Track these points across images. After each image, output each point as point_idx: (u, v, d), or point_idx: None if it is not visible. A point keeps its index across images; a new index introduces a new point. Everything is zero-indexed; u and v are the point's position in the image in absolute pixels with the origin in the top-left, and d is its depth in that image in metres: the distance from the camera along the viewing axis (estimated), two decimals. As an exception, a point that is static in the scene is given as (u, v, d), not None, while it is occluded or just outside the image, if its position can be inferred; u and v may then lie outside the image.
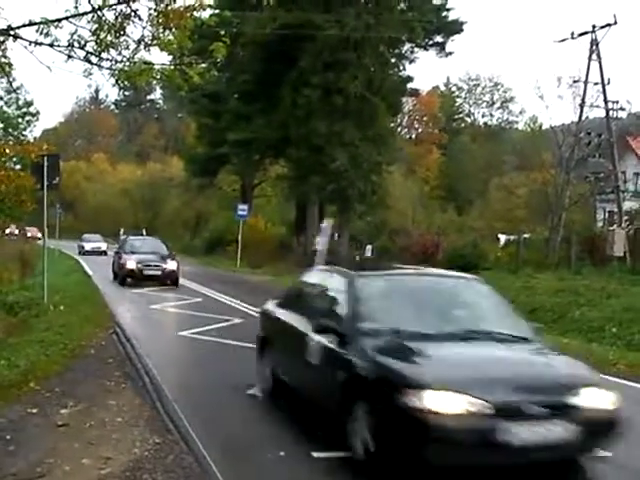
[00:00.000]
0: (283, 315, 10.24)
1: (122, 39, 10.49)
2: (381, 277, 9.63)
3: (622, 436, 7.09)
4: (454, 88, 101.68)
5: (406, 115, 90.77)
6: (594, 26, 34.04)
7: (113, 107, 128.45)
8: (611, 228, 32.77)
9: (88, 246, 58.94)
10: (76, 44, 10.34)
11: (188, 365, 14.02)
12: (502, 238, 42.56)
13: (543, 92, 52.79)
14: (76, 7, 10.29)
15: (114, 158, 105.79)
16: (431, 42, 47.48)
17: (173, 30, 10.38)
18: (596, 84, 34.65)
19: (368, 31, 40.08)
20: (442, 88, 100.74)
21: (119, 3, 10.27)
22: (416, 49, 48.23)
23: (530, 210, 51.66)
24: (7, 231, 56.13)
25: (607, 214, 42.43)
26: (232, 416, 9.63)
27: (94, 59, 10.59)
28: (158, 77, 11.20)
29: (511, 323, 8.58)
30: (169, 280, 28.80)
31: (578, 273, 26.82)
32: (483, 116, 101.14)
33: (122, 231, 58.51)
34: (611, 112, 34.89)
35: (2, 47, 11.00)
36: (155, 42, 10.53)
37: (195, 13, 10.64)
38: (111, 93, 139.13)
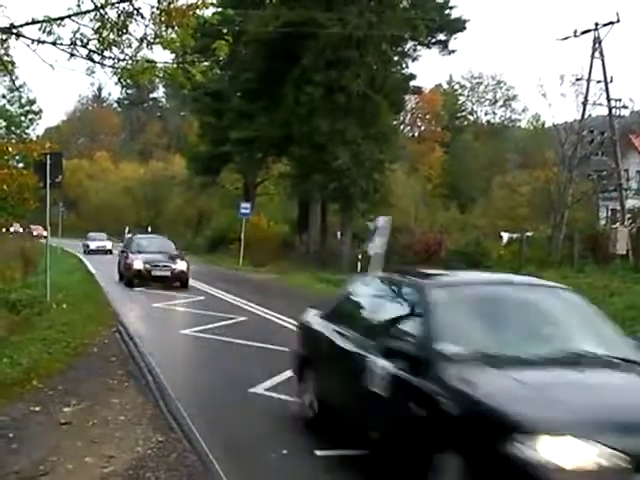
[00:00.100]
0: (332, 331, 8.57)
1: (125, 37, 10.51)
2: (459, 287, 7.85)
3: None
4: (457, 86, 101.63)
5: (409, 113, 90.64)
6: (597, 24, 33.99)
7: (116, 105, 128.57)
8: (614, 226, 32.73)
9: (93, 245, 58.12)
10: (79, 42, 10.36)
11: (191, 363, 14.03)
12: (505, 236, 42.53)
13: (546, 90, 52.49)
14: (79, 5, 10.31)
15: (117, 156, 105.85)
16: (434, 40, 47.43)
17: (176, 28, 10.39)
18: (599, 82, 34.60)
19: (370, 29, 40.05)
20: (445, 86, 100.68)
21: (121, 1, 10.29)
22: (419, 47, 48.19)
23: (533, 208, 51.59)
24: (12, 229, 56.22)
25: (610, 212, 42.40)
26: (235, 414, 9.63)
27: (97, 57, 10.61)
28: (161, 75, 11.22)
29: (616, 342, 7.03)
30: (178, 281, 27.65)
31: (581, 271, 26.80)
32: (486, 114, 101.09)
33: (127, 229, 57.75)
34: (614, 110, 34.84)
35: (5, 45, 11.03)
36: (158, 40, 10.54)
37: (198, 11, 10.67)
38: (114, 91, 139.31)
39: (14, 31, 10.56)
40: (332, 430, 8.37)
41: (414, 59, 49.33)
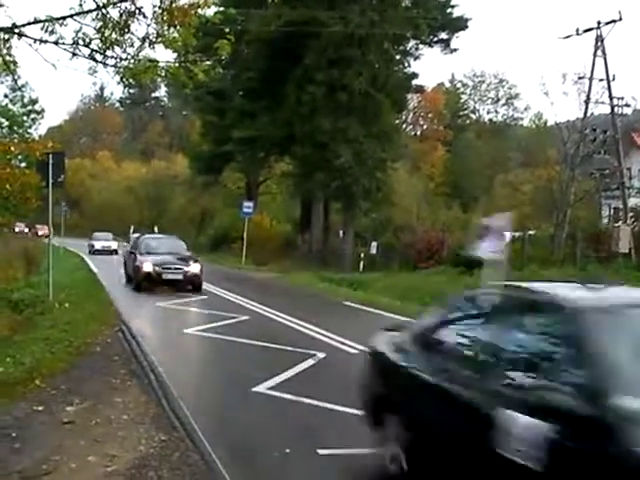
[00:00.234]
0: (427, 366, 6.42)
1: (127, 37, 10.53)
2: (628, 311, 5.36)
3: None
4: (459, 85, 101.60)
5: (411, 112, 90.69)
6: (599, 22, 33.91)
7: (118, 105, 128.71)
8: (616, 225, 32.69)
9: (98, 245, 56.39)
10: (81, 42, 10.37)
11: (194, 362, 14.03)
12: (507, 235, 42.46)
13: (548, 88, 52.63)
14: (81, 5, 10.33)
15: (119, 156, 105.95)
16: (436, 39, 47.51)
17: (178, 27, 10.41)
18: (601, 80, 34.51)
19: (372, 28, 40.10)
20: (447, 85, 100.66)
21: (123, 0, 10.29)
22: (421, 46, 48.33)
23: (535, 207, 51.51)
24: (17, 229, 56.12)
25: (612, 211, 42.34)
26: (238, 413, 9.63)
27: (99, 57, 10.62)
28: (163, 74, 11.21)
29: None
30: (191, 285, 25.94)
31: (583, 270, 26.74)
32: (488, 113, 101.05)
33: (132, 229, 55.67)
34: (616, 108, 34.75)
35: (7, 45, 11.03)
36: (160, 40, 10.55)
37: (200, 10, 10.68)
38: (116, 91, 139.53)
39: (16, 31, 10.57)
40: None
41: (416, 58, 49.57)
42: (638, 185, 41.95)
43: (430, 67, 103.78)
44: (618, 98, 34.81)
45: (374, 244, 42.28)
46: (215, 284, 28.60)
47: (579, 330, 4.94)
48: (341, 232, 46.47)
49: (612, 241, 29.71)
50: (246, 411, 9.68)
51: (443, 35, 47.46)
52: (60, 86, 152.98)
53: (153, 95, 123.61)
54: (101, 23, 10.35)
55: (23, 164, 23.40)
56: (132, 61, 10.76)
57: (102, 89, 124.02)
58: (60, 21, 10.22)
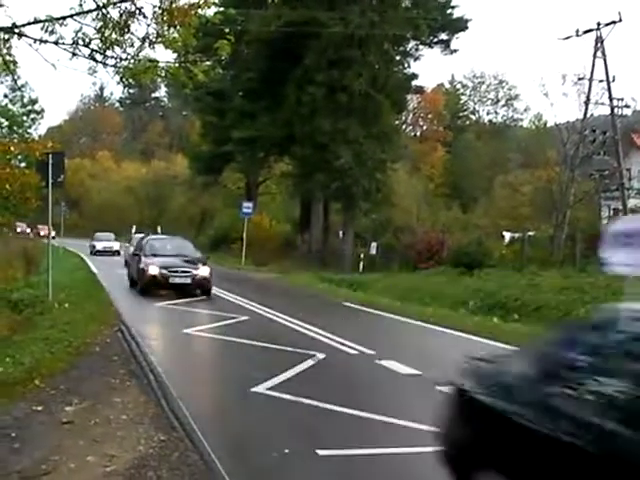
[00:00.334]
0: (543, 412, 4.65)
1: (127, 37, 10.52)
2: None
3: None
4: (459, 85, 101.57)
5: (411, 113, 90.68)
6: (599, 23, 33.99)
7: (118, 105, 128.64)
8: (616, 226, 32.69)
9: (100, 245, 54.55)
10: (81, 42, 10.37)
11: (193, 362, 14.03)
12: (507, 236, 42.50)
13: (548, 89, 53.01)
14: (81, 5, 10.33)
15: (119, 156, 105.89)
16: (436, 39, 47.60)
17: (178, 28, 10.40)
18: (601, 81, 34.60)
19: (372, 28, 40.13)
20: (447, 85, 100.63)
21: (123, 1, 10.29)
22: (421, 46, 48.42)
23: (535, 208, 51.55)
24: (18, 230, 55.91)
25: (612, 211, 42.34)
26: (237, 413, 9.63)
27: (99, 57, 10.62)
28: (163, 75, 11.21)
29: None
30: (200, 289, 24.21)
31: (583, 271, 26.75)
32: (488, 114, 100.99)
33: (134, 229, 54.61)
34: (616, 109, 34.83)
35: (7, 45, 11.03)
36: (160, 40, 10.55)
37: (200, 11, 10.67)
38: (116, 91, 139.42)
39: (16, 31, 10.57)
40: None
41: (416, 58, 49.64)
42: (638, 186, 42.03)
43: (430, 68, 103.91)
44: (618, 99, 34.92)
45: (374, 245, 42.30)
46: (215, 284, 28.54)
47: None
48: (341, 233, 46.49)
49: (612, 242, 29.71)
50: (245, 411, 9.68)
51: (443, 36, 47.56)
52: (60, 86, 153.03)
53: (153, 95, 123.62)
54: (101, 23, 10.36)
55: (23, 164, 23.42)
56: (132, 61, 10.76)
57: (102, 89, 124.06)
58: (60, 21, 10.22)
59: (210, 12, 12.06)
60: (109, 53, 10.58)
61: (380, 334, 18.70)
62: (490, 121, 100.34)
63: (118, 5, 10.34)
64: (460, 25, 47.06)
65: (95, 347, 13.79)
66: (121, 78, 11.26)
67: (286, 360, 12.80)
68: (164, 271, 23.72)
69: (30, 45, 10.34)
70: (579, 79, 35.12)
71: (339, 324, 18.62)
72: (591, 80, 34.62)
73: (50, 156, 19.67)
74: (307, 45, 40.53)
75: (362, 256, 41.33)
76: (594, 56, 34.30)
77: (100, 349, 13.66)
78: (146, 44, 10.59)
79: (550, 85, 74.59)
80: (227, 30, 10.77)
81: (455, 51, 48.73)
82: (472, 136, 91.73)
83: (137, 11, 10.33)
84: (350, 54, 40.48)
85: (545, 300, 21.91)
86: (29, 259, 32.45)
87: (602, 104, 35.15)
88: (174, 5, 10.28)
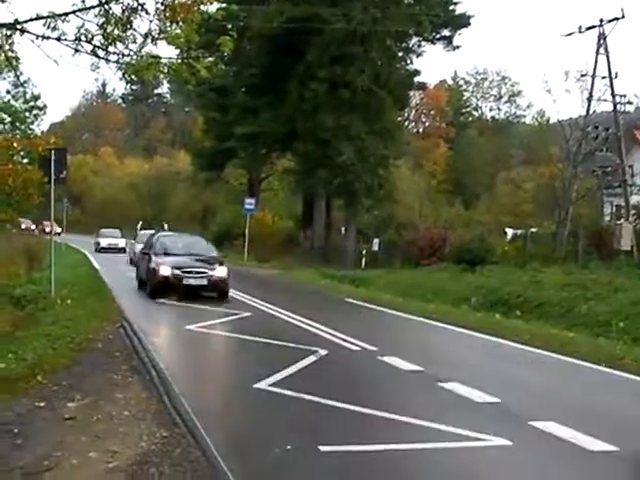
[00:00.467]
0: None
1: (129, 33, 10.53)
2: None
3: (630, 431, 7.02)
4: (461, 82, 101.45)
5: (413, 109, 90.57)
6: (602, 20, 33.89)
7: (120, 101, 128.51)
8: (618, 222, 32.65)
9: (104, 242, 52.64)
10: (83, 38, 10.38)
11: (195, 359, 14.02)
12: (509, 232, 42.47)
13: (551, 86, 52.73)
14: (83, 1, 10.34)
15: (121, 152, 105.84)
16: (438, 36, 47.57)
17: (180, 24, 10.41)
18: (604, 78, 34.50)
19: (375, 25, 40.08)
20: (449, 82, 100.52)
21: (126, -4, 10.29)
22: (423, 43, 48.38)
23: (537, 204, 51.53)
24: (23, 226, 55.67)
25: (614, 208, 42.28)
26: (239, 409, 9.64)
27: (101, 53, 10.64)
28: (165, 71, 11.22)
29: None
30: (217, 292, 22.46)
31: (585, 267, 26.74)
32: (490, 110, 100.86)
33: (140, 225, 52.52)
34: (619, 106, 34.74)
35: (9, 41, 11.02)
36: (162, 36, 10.56)
37: (202, 7, 10.68)
38: (118, 87, 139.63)
39: (18, 27, 10.57)
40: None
41: (419, 55, 49.58)
42: (640, 182, 41.92)
43: (432, 64, 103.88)
44: (620, 96, 34.82)
45: (376, 241, 42.32)
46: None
47: None
48: (343, 229, 46.49)
49: (614, 239, 29.71)
50: (248, 407, 9.68)
51: (445, 32, 47.51)
52: (62, 82, 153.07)
53: (155, 91, 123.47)
54: (103, 19, 10.36)
55: (25, 160, 23.38)
56: (134, 57, 10.76)
57: (104, 85, 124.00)
58: (62, 17, 10.22)
59: (212, 8, 12.10)
60: (111, 49, 10.59)
61: (382, 330, 18.73)
62: (493, 117, 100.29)
63: (120, 1, 10.35)
64: (462, 21, 47.01)
65: (97, 343, 13.80)
66: (123, 74, 11.29)
67: (288, 356, 12.80)
68: (177, 271, 21.74)
69: (32, 41, 10.35)
70: (582, 76, 35.01)
71: (341, 320, 18.64)
72: (594, 77, 34.53)
73: (52, 152, 19.65)
74: (309, 41, 40.50)
75: (364, 252, 41.34)
76: (597, 52, 34.21)
77: (102, 345, 13.66)
78: (148, 40, 10.60)
79: (553, 81, 74.27)
80: (229, 26, 10.76)
81: (458, 47, 48.70)
82: (475, 132, 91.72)
83: (139, 7, 10.34)
84: (352, 50, 40.44)
85: (547, 297, 21.93)
86: (31, 255, 32.44)
87: (605, 101, 35.07)
88: (176, 1, 10.28)
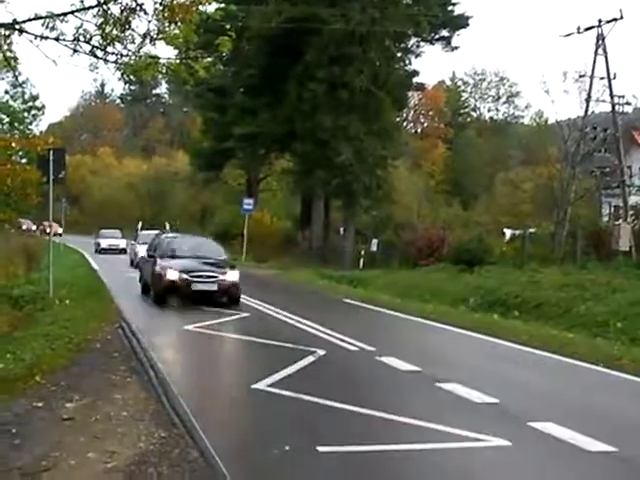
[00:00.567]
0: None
1: (128, 33, 10.53)
2: None
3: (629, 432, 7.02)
4: (460, 82, 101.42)
5: (412, 109, 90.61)
6: (600, 20, 33.93)
7: (119, 101, 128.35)
8: (617, 223, 32.71)
9: (105, 243, 51.59)
10: (82, 38, 10.38)
11: (193, 359, 14.03)
12: (507, 233, 42.51)
13: (549, 87, 52.98)
14: (82, 1, 10.33)
15: (120, 152, 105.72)
16: (437, 36, 47.59)
17: (179, 24, 10.42)
18: (602, 79, 34.54)
19: (373, 25, 40.10)
20: (448, 82, 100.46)
21: (124, -3, 10.30)
22: (422, 43, 48.38)
23: (536, 205, 51.60)
24: (24, 227, 55.44)
25: (613, 209, 42.37)
26: (237, 410, 9.64)
27: (100, 53, 10.63)
28: (164, 71, 11.22)
29: None
30: (228, 298, 20.99)
31: (584, 268, 26.77)
32: (489, 110, 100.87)
33: (140, 225, 51.93)
34: (617, 107, 34.78)
35: (8, 41, 11.04)
36: (161, 36, 10.56)
37: (200, 7, 10.68)
38: (117, 87, 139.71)
39: (17, 27, 10.57)
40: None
41: (417, 55, 49.55)
42: (638, 183, 41.98)
43: (431, 65, 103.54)
44: (619, 96, 34.87)
45: (374, 241, 42.33)
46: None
47: None
48: (341, 229, 46.49)
49: (612, 239, 29.76)
50: (246, 408, 9.69)
51: (444, 33, 47.53)
52: (61, 82, 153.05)
53: (154, 92, 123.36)
54: (102, 19, 10.36)
55: (24, 160, 23.37)
56: (133, 57, 10.77)
57: (103, 85, 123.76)
58: (61, 17, 10.22)
59: (211, 8, 12.11)
60: (110, 49, 10.59)
61: (380, 331, 18.73)
62: (491, 118, 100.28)
63: (119, 1, 10.35)
64: (461, 22, 47.05)
65: (96, 343, 13.80)
66: (122, 74, 11.29)
67: (286, 357, 12.81)
68: (185, 276, 20.29)
69: (31, 41, 10.36)
70: (580, 76, 35.06)
71: (339, 321, 18.64)
72: (592, 77, 34.57)
73: (51, 152, 19.63)
74: (308, 41, 40.50)
75: (362, 253, 41.34)
76: (595, 53, 34.25)
77: (101, 345, 13.67)
78: (147, 40, 10.60)
79: (551, 82, 74.66)
80: (228, 26, 10.77)
81: (456, 48, 48.73)
82: (473, 133, 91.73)
83: (138, 7, 10.35)
84: (351, 51, 40.44)
85: (545, 297, 21.94)
86: (30, 256, 32.42)
87: (603, 101, 35.12)
88: (175, 1, 10.28)
